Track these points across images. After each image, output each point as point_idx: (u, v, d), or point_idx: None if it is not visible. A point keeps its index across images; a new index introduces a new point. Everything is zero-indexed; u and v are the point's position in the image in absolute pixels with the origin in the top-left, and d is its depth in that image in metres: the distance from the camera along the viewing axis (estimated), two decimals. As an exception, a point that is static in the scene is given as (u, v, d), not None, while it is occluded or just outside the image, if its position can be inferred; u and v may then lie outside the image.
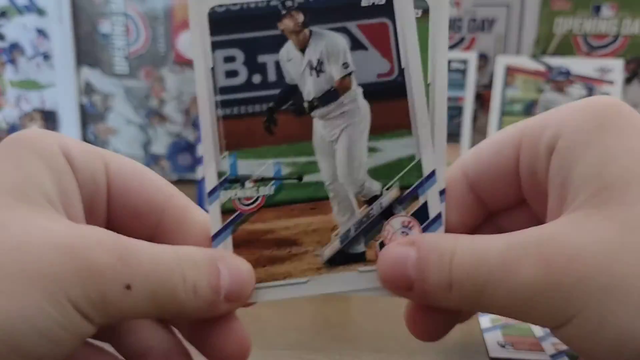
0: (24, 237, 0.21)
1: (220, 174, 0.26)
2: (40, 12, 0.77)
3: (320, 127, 0.26)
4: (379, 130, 0.26)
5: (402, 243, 0.25)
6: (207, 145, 0.26)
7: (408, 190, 0.26)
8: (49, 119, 0.80)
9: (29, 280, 0.20)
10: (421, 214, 0.26)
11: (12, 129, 0.80)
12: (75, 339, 0.21)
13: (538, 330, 0.41)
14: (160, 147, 0.80)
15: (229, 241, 0.26)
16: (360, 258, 0.26)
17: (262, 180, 0.26)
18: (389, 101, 0.26)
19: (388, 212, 0.26)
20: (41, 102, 0.79)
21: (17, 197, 0.22)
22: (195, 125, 0.79)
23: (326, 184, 0.26)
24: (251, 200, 0.26)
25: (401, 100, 0.26)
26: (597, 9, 0.75)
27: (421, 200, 0.26)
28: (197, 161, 0.74)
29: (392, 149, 0.26)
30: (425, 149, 0.26)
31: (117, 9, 0.77)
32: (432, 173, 0.26)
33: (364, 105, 0.26)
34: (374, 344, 0.40)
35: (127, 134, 0.79)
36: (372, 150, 0.26)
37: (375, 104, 0.26)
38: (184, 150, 0.80)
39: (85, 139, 0.80)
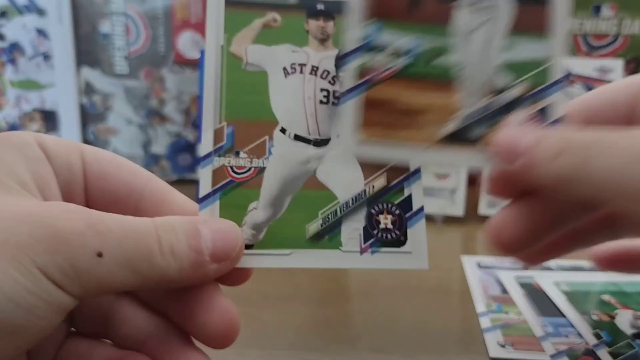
0: None
1: (359, 40, 0.27)
2: (40, 12, 0.77)
3: (461, 16, 0.27)
4: (517, 29, 0.27)
5: (532, 128, 0.26)
6: (356, 12, 0.27)
7: (536, 90, 0.27)
8: (49, 119, 0.80)
9: None
10: (543, 114, 0.27)
11: (12, 128, 0.80)
12: (52, 309, 0.21)
13: (538, 330, 0.41)
14: (160, 147, 0.80)
15: (361, 95, 0.27)
16: (477, 141, 0.27)
17: (397, 52, 0.27)
18: (533, 4, 0.27)
19: (512, 106, 0.27)
20: (41, 102, 0.79)
21: None
22: (195, 125, 0.79)
23: (457, 69, 0.27)
24: (385, 67, 0.27)
25: (544, 5, 0.27)
26: (597, 9, 0.75)
27: (546, 101, 0.27)
28: (198, 161, 0.74)
29: (527, 48, 0.27)
30: (558, 54, 0.27)
31: (117, 9, 0.77)
32: (564, 77, 0.27)
33: (507, 3, 0.27)
34: (374, 344, 0.40)
35: (127, 134, 0.79)
36: (507, 46, 0.28)
37: (519, 4, 0.27)
38: (184, 150, 0.80)
39: (85, 139, 0.80)
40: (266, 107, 0.28)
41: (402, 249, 0.28)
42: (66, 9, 0.76)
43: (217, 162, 0.27)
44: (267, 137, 0.28)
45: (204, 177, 0.27)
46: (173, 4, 0.77)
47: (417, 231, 0.28)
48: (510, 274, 0.51)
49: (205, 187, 0.27)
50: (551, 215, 0.28)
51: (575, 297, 0.46)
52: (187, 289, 0.25)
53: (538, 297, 0.46)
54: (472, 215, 0.67)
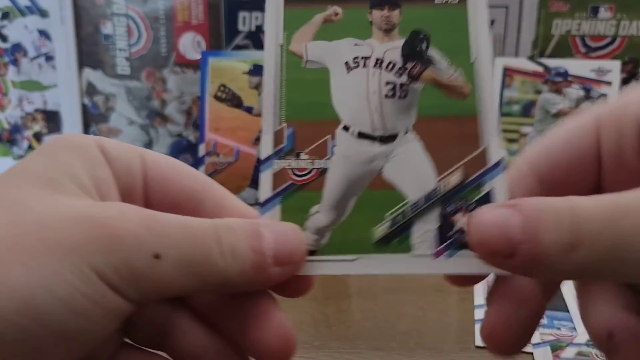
0: (46, 213, 0.20)
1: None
2: (43, 13, 0.78)
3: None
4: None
5: (499, 206, 0.22)
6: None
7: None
8: (51, 119, 0.80)
9: (49, 250, 0.19)
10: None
11: (15, 129, 0.81)
12: (108, 315, 0.20)
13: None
14: (161, 147, 0.80)
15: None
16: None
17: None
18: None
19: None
20: (43, 102, 0.80)
21: (47, 184, 0.22)
22: (196, 125, 0.79)
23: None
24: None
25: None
26: (595, 10, 0.76)
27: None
28: (199, 161, 0.75)
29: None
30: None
31: (118, 10, 0.77)
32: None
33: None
34: (373, 342, 0.40)
35: (129, 134, 0.80)
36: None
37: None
38: (185, 151, 0.80)
39: (87, 139, 0.80)
40: (328, 105, 0.27)
41: None
42: (68, 10, 0.77)
43: (278, 165, 0.26)
44: (329, 137, 0.26)
45: (264, 181, 0.26)
46: (174, 5, 0.77)
47: None
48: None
49: (265, 192, 0.26)
50: (547, 297, 0.25)
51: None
52: (243, 301, 0.24)
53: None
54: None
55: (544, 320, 0.42)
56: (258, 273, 0.22)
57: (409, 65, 0.27)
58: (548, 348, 0.39)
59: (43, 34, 0.78)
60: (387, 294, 0.48)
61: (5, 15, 0.78)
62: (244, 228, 0.23)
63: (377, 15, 0.28)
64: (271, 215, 0.25)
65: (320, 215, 0.26)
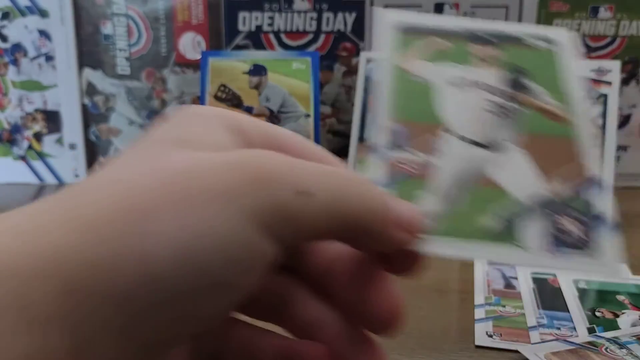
0: (189, 161, 0.20)
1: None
2: (43, 13, 0.78)
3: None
4: None
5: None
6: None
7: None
8: (52, 119, 0.80)
9: (199, 196, 0.19)
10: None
11: (15, 129, 0.81)
12: (259, 262, 0.20)
13: (531, 321, 0.42)
14: (161, 147, 0.80)
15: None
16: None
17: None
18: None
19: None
20: (43, 102, 0.80)
21: (180, 145, 0.21)
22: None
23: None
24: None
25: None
26: (595, 10, 0.76)
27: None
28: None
29: None
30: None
31: (118, 10, 0.77)
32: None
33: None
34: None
35: (129, 134, 0.80)
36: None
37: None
38: (185, 151, 0.80)
39: (87, 139, 0.80)
40: (433, 112, 0.30)
41: (588, 252, 0.27)
42: (68, 10, 0.77)
43: (388, 156, 0.28)
44: (436, 137, 0.29)
45: (374, 167, 0.28)
46: (174, 5, 0.77)
47: (604, 235, 0.27)
48: (527, 270, 0.51)
49: (374, 177, 0.28)
50: None
51: (588, 294, 0.47)
52: (359, 269, 0.24)
53: (548, 292, 0.47)
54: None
55: (543, 320, 0.42)
56: (388, 228, 0.23)
57: (509, 91, 0.30)
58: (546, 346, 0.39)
59: (43, 34, 0.78)
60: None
61: (5, 15, 0.78)
62: (372, 184, 0.23)
63: (478, 48, 0.32)
64: None
65: (427, 204, 0.27)
